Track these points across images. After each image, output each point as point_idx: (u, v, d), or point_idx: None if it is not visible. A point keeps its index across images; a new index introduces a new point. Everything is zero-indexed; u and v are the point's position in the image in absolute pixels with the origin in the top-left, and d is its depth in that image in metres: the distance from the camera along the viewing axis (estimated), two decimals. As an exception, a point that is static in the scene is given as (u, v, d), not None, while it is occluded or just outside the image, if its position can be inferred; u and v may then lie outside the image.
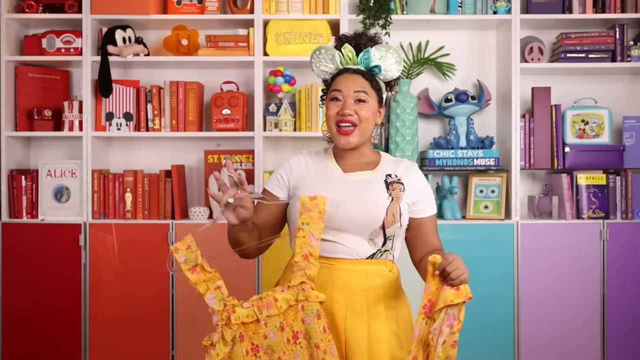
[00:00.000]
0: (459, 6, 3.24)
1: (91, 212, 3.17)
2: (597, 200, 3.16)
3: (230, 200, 1.61)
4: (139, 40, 3.25)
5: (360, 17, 3.16)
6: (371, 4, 3.14)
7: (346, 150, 1.84)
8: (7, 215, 3.19)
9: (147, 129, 3.24)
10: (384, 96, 1.88)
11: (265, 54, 3.22)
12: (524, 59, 3.25)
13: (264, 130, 3.23)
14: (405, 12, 3.25)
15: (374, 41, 1.86)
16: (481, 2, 3.24)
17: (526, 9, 3.24)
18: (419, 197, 1.83)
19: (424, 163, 3.25)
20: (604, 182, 3.17)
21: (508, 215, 3.20)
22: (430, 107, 3.33)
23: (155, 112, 3.22)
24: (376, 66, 1.82)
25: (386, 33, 3.18)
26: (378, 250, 1.77)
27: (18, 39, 3.32)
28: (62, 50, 3.21)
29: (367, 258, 1.76)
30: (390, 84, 1.91)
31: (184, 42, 3.21)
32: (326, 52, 1.84)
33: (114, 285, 3.10)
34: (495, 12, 3.22)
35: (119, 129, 3.23)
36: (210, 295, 1.57)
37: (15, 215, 3.19)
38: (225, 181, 1.65)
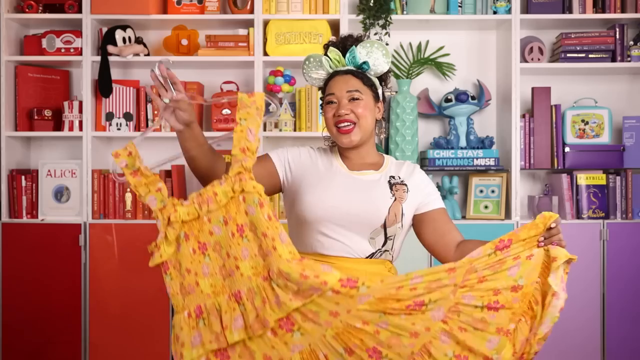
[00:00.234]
0: (459, 6, 3.24)
1: (91, 212, 3.17)
2: (597, 200, 3.16)
3: (166, 101, 1.63)
4: (139, 40, 3.25)
5: (360, 17, 3.17)
6: (371, 4, 3.15)
7: (350, 150, 1.85)
8: (7, 215, 3.19)
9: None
10: (380, 91, 1.89)
11: (265, 54, 3.22)
12: (524, 59, 3.25)
13: (264, 130, 3.23)
14: (405, 12, 3.25)
15: (359, 41, 1.87)
16: (481, 2, 3.24)
17: (526, 9, 3.24)
18: (426, 191, 1.85)
19: (424, 163, 3.25)
20: (604, 182, 3.17)
21: (508, 215, 3.20)
22: (430, 107, 3.33)
23: (155, 112, 3.22)
24: (364, 62, 1.83)
25: (386, 33, 3.18)
26: (378, 250, 1.77)
27: (18, 39, 3.32)
28: (62, 50, 3.21)
29: (367, 257, 1.76)
30: (383, 78, 1.91)
31: (184, 42, 3.22)
32: (314, 60, 1.87)
33: (114, 285, 3.10)
34: (495, 12, 3.23)
35: (119, 129, 3.23)
36: (150, 197, 1.57)
37: (15, 215, 3.20)
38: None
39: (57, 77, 3.37)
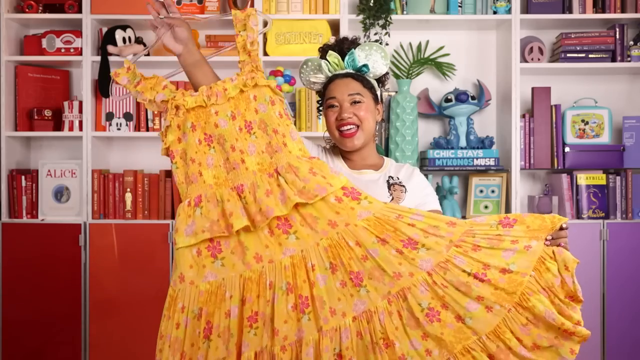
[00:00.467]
0: (459, 6, 3.24)
1: (91, 212, 3.17)
2: (597, 200, 3.16)
3: (161, 16, 1.65)
4: (139, 40, 3.25)
5: (360, 17, 3.17)
6: (371, 4, 3.14)
7: (352, 152, 1.87)
8: (7, 215, 3.19)
9: (147, 129, 3.24)
10: (378, 93, 1.90)
11: (266, 53, 3.22)
12: (524, 59, 3.25)
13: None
14: (405, 12, 3.26)
15: (355, 43, 1.88)
16: (481, 2, 3.24)
17: (526, 9, 3.24)
18: (425, 192, 1.86)
19: (424, 163, 3.25)
20: (604, 182, 3.17)
21: (508, 215, 3.19)
22: (430, 107, 3.33)
23: (155, 112, 3.22)
24: (364, 65, 1.84)
25: (386, 33, 3.18)
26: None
27: (18, 39, 3.32)
28: (62, 50, 3.21)
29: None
30: (381, 80, 1.92)
31: (184, 42, 3.21)
32: (312, 64, 1.88)
33: (114, 285, 3.10)
34: (495, 12, 3.23)
35: (119, 129, 3.23)
36: (159, 94, 1.60)
37: (15, 215, 3.20)
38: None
39: (57, 77, 3.37)
